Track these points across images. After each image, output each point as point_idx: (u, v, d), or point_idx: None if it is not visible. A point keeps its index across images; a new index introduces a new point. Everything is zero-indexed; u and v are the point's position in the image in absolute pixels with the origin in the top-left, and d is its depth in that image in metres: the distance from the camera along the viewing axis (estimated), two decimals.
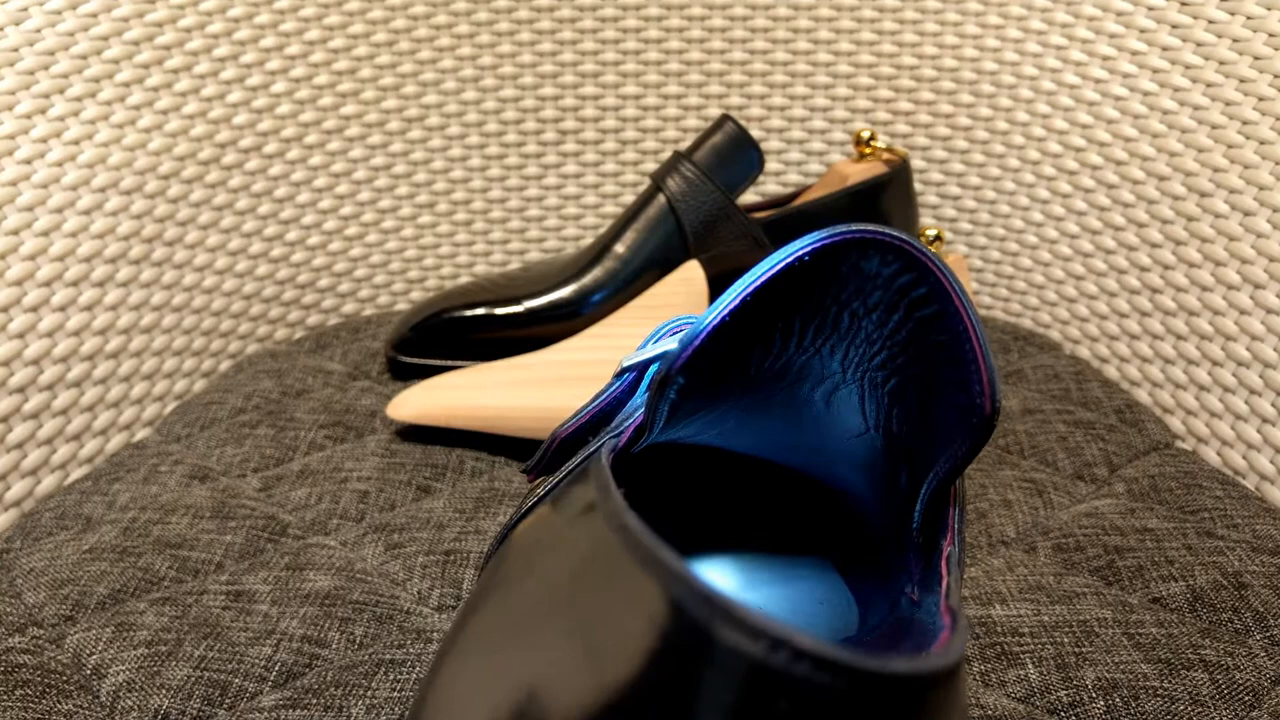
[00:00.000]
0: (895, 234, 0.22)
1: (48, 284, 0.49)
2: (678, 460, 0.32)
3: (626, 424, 0.26)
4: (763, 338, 0.24)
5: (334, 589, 0.37)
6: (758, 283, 0.22)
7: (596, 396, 0.30)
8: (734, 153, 0.54)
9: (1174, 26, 0.52)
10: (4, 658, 0.34)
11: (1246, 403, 0.47)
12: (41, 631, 0.36)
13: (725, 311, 0.23)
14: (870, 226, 0.22)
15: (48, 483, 0.49)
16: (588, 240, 0.69)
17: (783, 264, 0.22)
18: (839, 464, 0.28)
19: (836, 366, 0.25)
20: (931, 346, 0.23)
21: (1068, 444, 0.47)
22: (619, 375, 0.29)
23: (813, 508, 0.32)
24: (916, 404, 0.25)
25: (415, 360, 0.54)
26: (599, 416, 0.30)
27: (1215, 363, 0.49)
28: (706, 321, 0.23)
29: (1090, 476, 0.45)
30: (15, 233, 0.47)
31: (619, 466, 0.26)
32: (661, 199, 0.53)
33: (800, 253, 0.22)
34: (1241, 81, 0.48)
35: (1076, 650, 0.33)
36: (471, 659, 0.20)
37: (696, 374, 0.24)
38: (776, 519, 0.32)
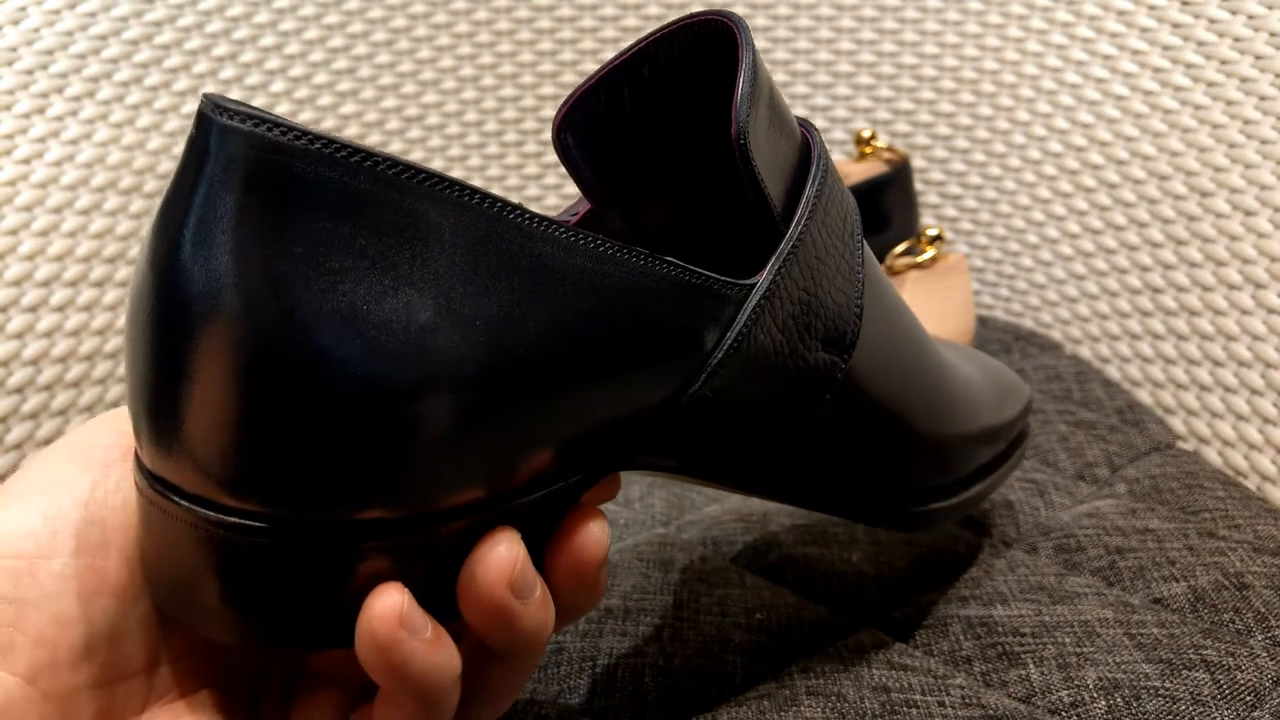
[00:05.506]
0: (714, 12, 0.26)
1: (46, 284, 0.48)
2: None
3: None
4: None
5: None
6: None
7: None
8: None
9: (1175, 25, 0.52)
10: None
11: (1248, 403, 0.47)
12: None
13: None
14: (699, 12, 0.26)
15: None
16: None
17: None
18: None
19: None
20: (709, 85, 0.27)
21: (1069, 444, 0.47)
22: None
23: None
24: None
25: None
26: None
27: (1217, 363, 0.48)
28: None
29: (1092, 477, 0.45)
30: (13, 232, 0.47)
31: None
32: None
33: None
34: (1243, 81, 0.48)
35: (1078, 650, 0.33)
36: None
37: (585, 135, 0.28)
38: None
